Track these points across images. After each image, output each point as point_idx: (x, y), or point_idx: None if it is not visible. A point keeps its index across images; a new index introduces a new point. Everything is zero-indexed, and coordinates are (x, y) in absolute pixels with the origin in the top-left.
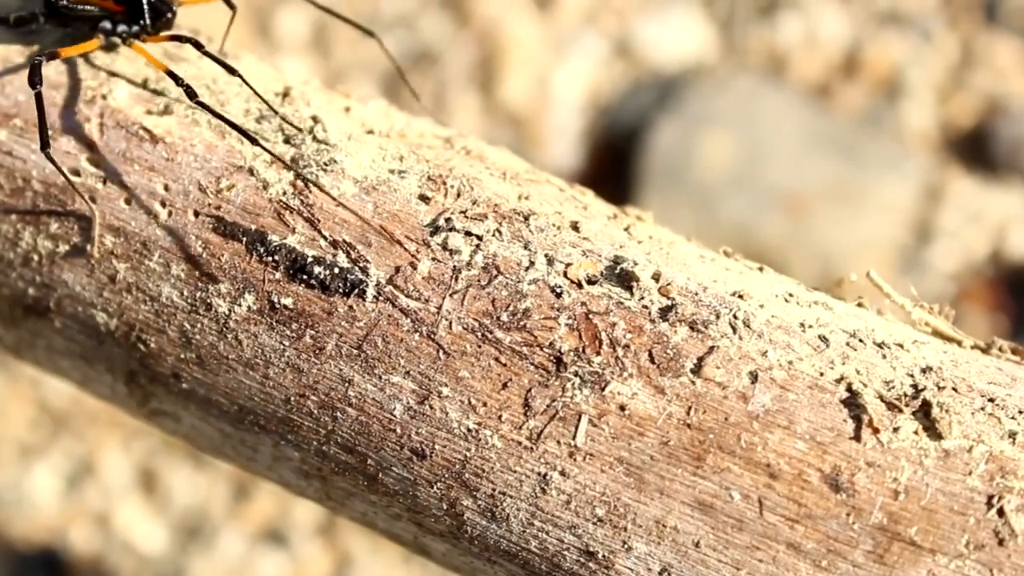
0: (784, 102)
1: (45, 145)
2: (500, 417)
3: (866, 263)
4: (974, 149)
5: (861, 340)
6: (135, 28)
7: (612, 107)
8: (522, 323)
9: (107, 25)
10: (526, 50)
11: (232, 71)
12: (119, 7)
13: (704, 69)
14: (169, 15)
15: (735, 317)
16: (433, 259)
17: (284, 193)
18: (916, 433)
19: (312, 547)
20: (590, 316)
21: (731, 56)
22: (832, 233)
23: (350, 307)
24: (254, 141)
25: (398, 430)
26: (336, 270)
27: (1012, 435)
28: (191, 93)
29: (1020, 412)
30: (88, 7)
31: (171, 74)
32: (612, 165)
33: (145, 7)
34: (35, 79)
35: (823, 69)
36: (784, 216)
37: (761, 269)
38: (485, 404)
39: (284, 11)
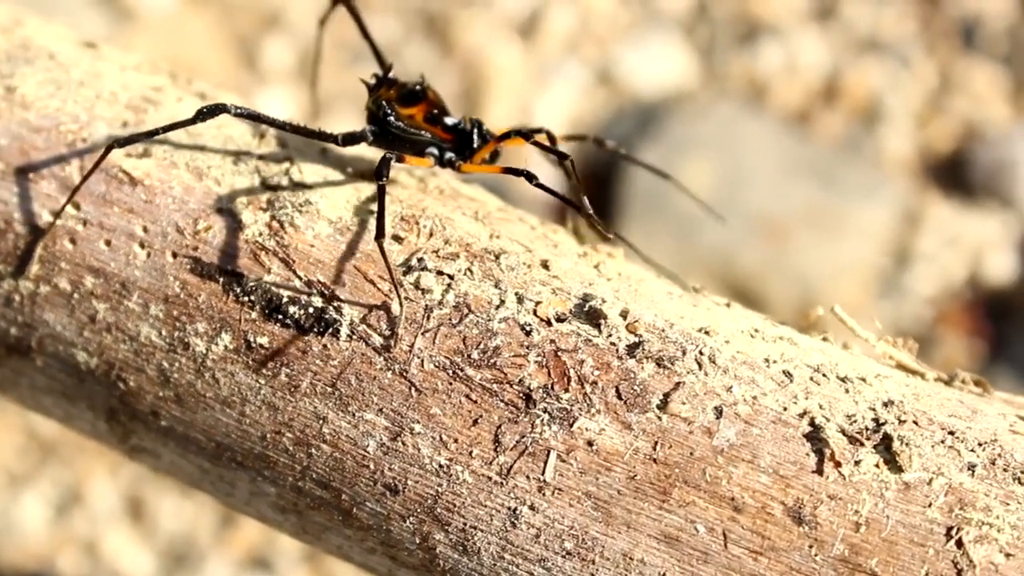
0: (764, 129)
1: (380, 235)
2: (471, 453)
3: (845, 288)
4: (952, 174)
5: (824, 375)
6: (463, 155)
7: (597, 131)
8: (492, 360)
9: (434, 151)
10: (509, 78)
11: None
12: (447, 135)
13: (684, 96)
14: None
15: (701, 353)
16: (405, 298)
17: (260, 234)
18: (877, 466)
19: (297, 574)
20: (559, 353)
21: (711, 83)
22: (811, 258)
23: (324, 346)
24: (599, 228)
25: (371, 466)
26: (311, 309)
27: (971, 467)
28: (529, 176)
29: (979, 444)
30: (419, 132)
31: (507, 170)
32: (593, 192)
33: (475, 139)
34: (382, 173)
35: (802, 96)
36: (764, 242)
37: (728, 305)
38: (456, 440)
39: (270, 41)
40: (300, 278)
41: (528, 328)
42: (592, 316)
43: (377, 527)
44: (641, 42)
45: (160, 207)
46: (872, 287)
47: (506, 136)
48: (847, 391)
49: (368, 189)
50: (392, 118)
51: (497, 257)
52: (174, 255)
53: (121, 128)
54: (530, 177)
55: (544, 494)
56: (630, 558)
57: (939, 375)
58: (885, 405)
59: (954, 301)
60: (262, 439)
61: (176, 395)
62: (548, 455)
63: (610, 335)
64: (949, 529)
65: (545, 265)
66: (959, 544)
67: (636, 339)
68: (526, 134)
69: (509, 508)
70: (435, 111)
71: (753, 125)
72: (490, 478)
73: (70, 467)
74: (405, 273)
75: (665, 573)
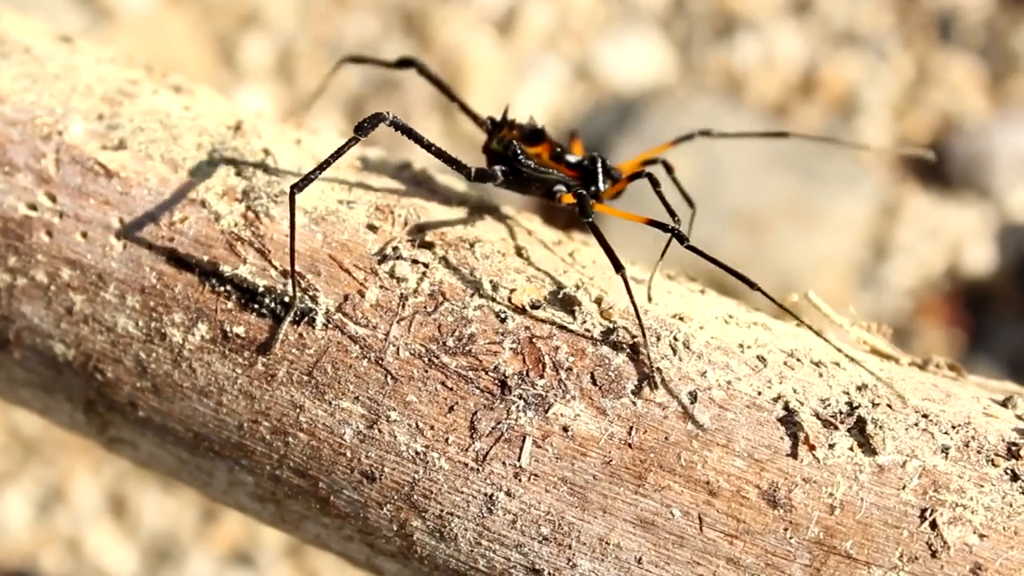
0: (742, 122)
1: (619, 267)
2: (447, 440)
3: (824, 280)
4: (930, 166)
5: (799, 359)
6: (589, 191)
7: (573, 129)
8: (467, 348)
9: (563, 188)
10: (488, 74)
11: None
12: (573, 172)
13: (663, 90)
14: (619, 179)
15: (675, 339)
16: (381, 287)
17: (235, 224)
18: (851, 449)
19: (280, 569)
20: (534, 340)
21: (689, 77)
22: (790, 251)
23: (300, 335)
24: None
25: (348, 454)
26: (286, 299)
27: (945, 450)
28: (681, 237)
29: (953, 427)
30: (547, 171)
31: (652, 222)
32: None
33: (599, 175)
34: (587, 211)
35: (780, 89)
36: (743, 234)
37: (703, 291)
38: (432, 427)
39: (249, 39)
40: (276, 268)
41: (503, 315)
42: (566, 303)
43: (354, 515)
44: (619, 37)
45: (136, 199)
46: (852, 279)
47: (636, 176)
48: (821, 375)
49: (341, 185)
50: (522, 157)
51: (472, 245)
52: (150, 246)
53: (97, 121)
54: (681, 238)
55: (520, 480)
56: (606, 542)
57: (913, 359)
58: (859, 389)
59: (933, 292)
60: (239, 428)
61: (153, 385)
62: (524, 441)
63: (584, 321)
64: (923, 511)
65: (519, 253)
66: (933, 526)
67: (610, 325)
68: (654, 181)
69: (485, 494)
70: (558, 149)
71: (731, 119)
72: (466, 464)
73: (53, 465)
74: (380, 262)
75: (641, 557)
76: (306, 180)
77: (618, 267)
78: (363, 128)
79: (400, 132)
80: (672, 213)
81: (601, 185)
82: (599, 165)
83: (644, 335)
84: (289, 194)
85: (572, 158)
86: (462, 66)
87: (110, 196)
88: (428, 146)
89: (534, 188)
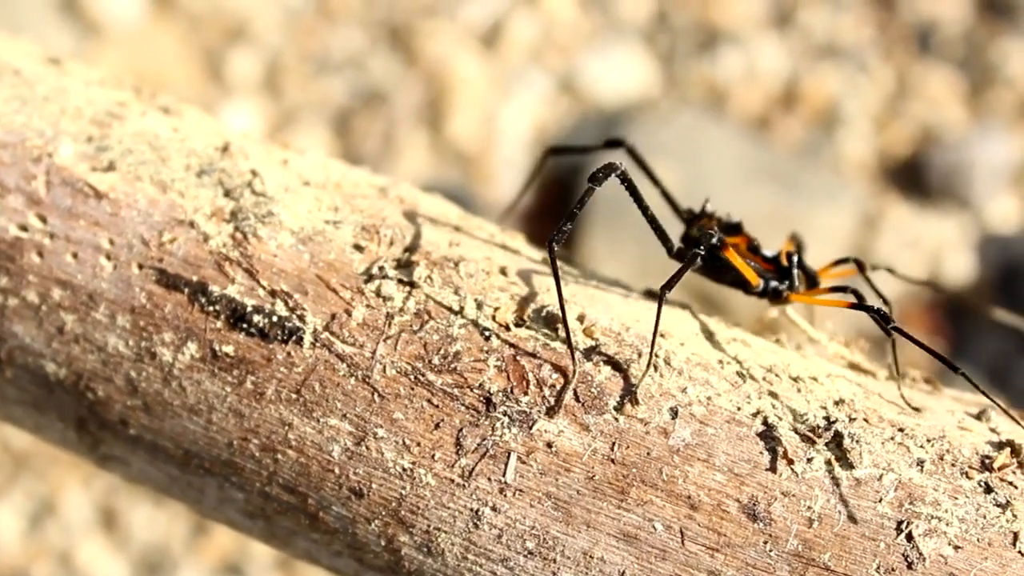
0: (725, 135)
1: (668, 288)
2: (433, 456)
3: None
4: (910, 177)
5: (777, 375)
6: (784, 285)
7: (557, 142)
8: (453, 366)
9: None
10: (473, 88)
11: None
12: (769, 266)
13: (647, 103)
14: (817, 280)
15: (656, 355)
16: (367, 306)
17: (224, 245)
18: (829, 463)
19: None
20: (518, 357)
21: (673, 90)
22: None
23: (288, 353)
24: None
25: (336, 470)
26: (275, 318)
27: (920, 463)
28: (887, 318)
29: (928, 441)
30: (745, 262)
31: (855, 305)
32: (558, 199)
33: (795, 272)
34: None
35: (762, 102)
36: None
37: (684, 307)
38: (419, 444)
39: (236, 54)
40: (264, 287)
41: (487, 333)
42: (550, 321)
43: (343, 530)
44: (603, 51)
45: (125, 220)
46: None
47: (839, 289)
48: (799, 391)
49: (329, 199)
50: (718, 244)
51: (456, 264)
52: (140, 267)
53: (86, 143)
54: (886, 319)
55: (505, 495)
56: (590, 556)
57: (890, 374)
58: (836, 403)
59: (914, 302)
60: (229, 446)
61: (144, 404)
62: (508, 457)
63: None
64: (899, 523)
65: (503, 271)
66: (909, 537)
67: (593, 343)
68: (860, 297)
69: (472, 509)
70: (755, 243)
71: (714, 131)
72: (452, 480)
73: (43, 479)
74: (366, 281)
75: (624, 571)
76: (560, 233)
77: (666, 289)
78: (597, 178)
79: (624, 187)
80: (885, 301)
81: (795, 282)
82: (795, 262)
83: (651, 360)
84: (549, 246)
85: (768, 252)
86: (448, 81)
87: (100, 217)
88: (645, 210)
89: (729, 276)
